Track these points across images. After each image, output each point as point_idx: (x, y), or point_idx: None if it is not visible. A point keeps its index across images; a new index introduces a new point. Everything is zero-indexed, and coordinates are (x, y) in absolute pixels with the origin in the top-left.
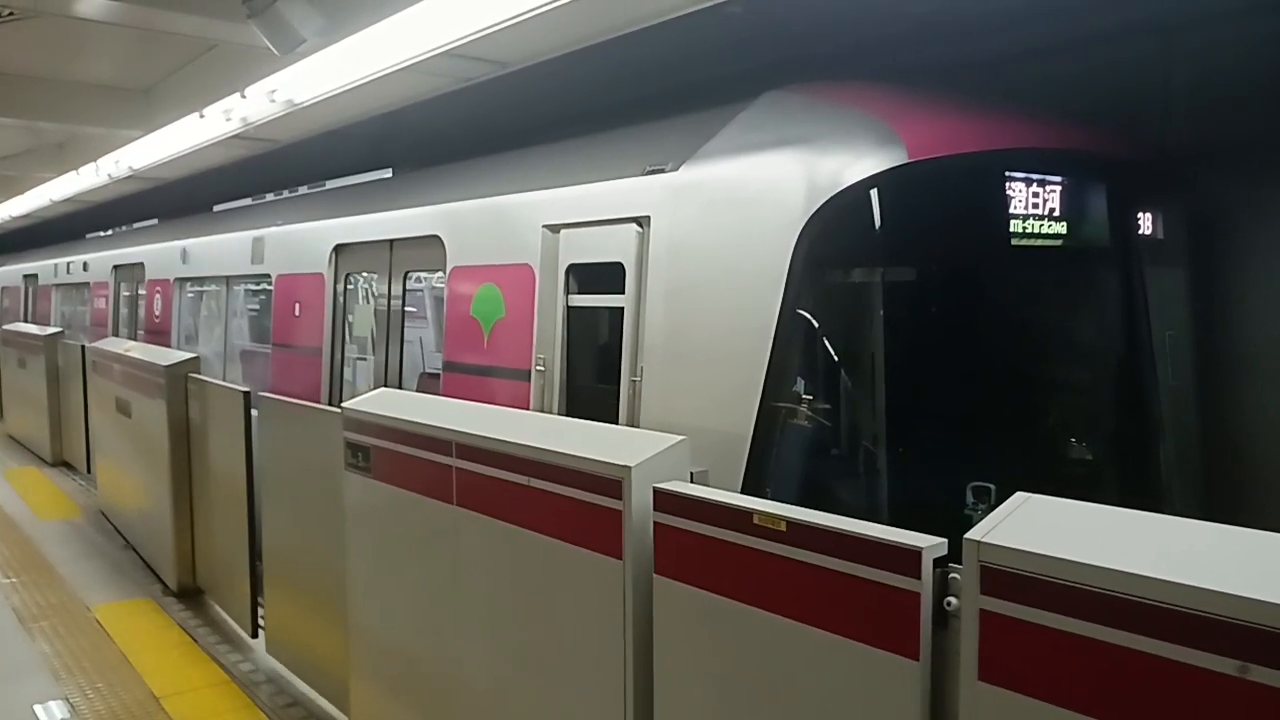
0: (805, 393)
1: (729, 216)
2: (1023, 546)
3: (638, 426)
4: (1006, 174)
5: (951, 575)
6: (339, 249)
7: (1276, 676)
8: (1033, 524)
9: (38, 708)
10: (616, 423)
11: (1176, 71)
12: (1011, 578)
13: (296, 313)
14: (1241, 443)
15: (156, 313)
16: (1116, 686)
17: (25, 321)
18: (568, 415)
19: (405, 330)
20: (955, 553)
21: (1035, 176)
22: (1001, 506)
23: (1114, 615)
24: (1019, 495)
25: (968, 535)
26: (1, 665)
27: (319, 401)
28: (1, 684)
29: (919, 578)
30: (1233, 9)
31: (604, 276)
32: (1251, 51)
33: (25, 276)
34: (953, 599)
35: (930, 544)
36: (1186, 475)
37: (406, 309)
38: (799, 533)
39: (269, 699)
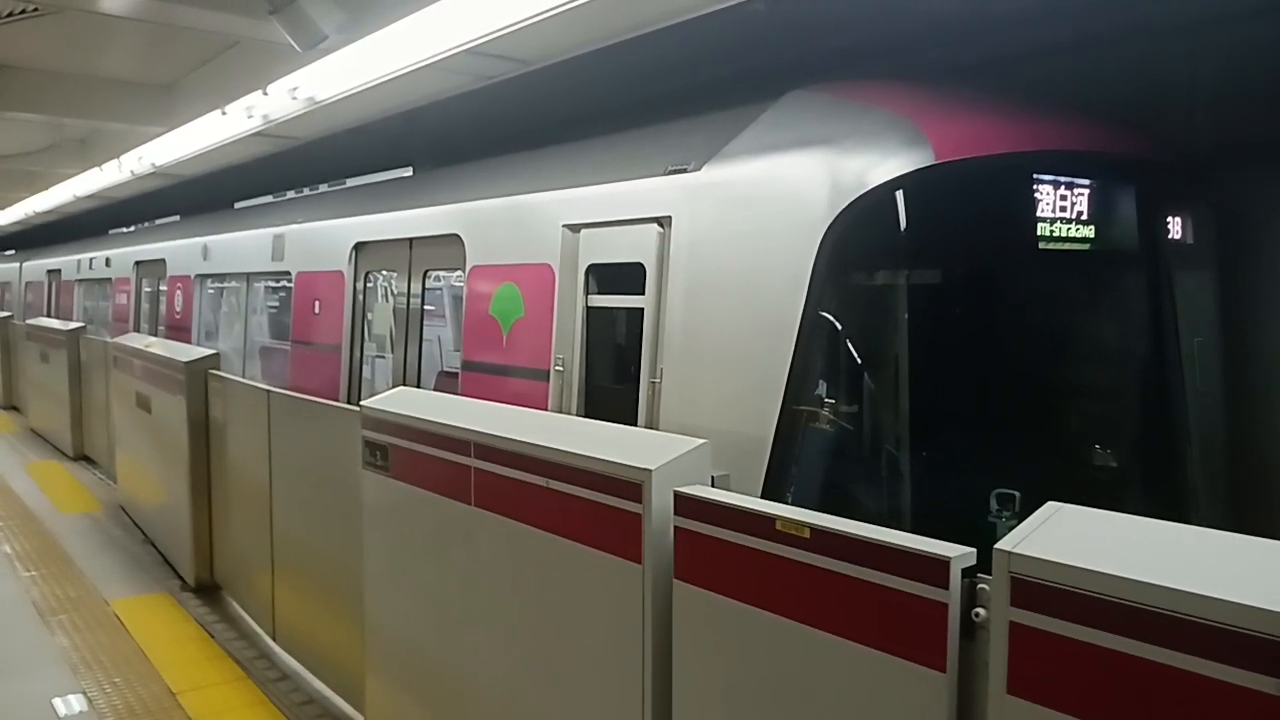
0: (828, 396)
1: (752, 217)
2: (1054, 558)
3: (657, 429)
4: (1034, 176)
5: (980, 586)
6: (359, 247)
7: None
8: (1064, 535)
9: (56, 701)
10: (635, 425)
11: (1203, 70)
12: (1043, 590)
13: (316, 310)
14: (1270, 450)
15: (177, 309)
16: (1150, 703)
17: (49, 316)
18: (586, 416)
19: (424, 329)
20: (982, 561)
21: (1063, 179)
22: (1032, 517)
23: (1149, 630)
24: (1050, 505)
25: (998, 545)
26: (21, 658)
27: (337, 399)
28: (21, 677)
29: (947, 588)
30: (1260, 5)
31: (624, 277)
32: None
33: (49, 272)
34: (981, 610)
35: (959, 554)
36: (1213, 482)
37: (426, 307)
38: (823, 539)
39: (284, 696)
